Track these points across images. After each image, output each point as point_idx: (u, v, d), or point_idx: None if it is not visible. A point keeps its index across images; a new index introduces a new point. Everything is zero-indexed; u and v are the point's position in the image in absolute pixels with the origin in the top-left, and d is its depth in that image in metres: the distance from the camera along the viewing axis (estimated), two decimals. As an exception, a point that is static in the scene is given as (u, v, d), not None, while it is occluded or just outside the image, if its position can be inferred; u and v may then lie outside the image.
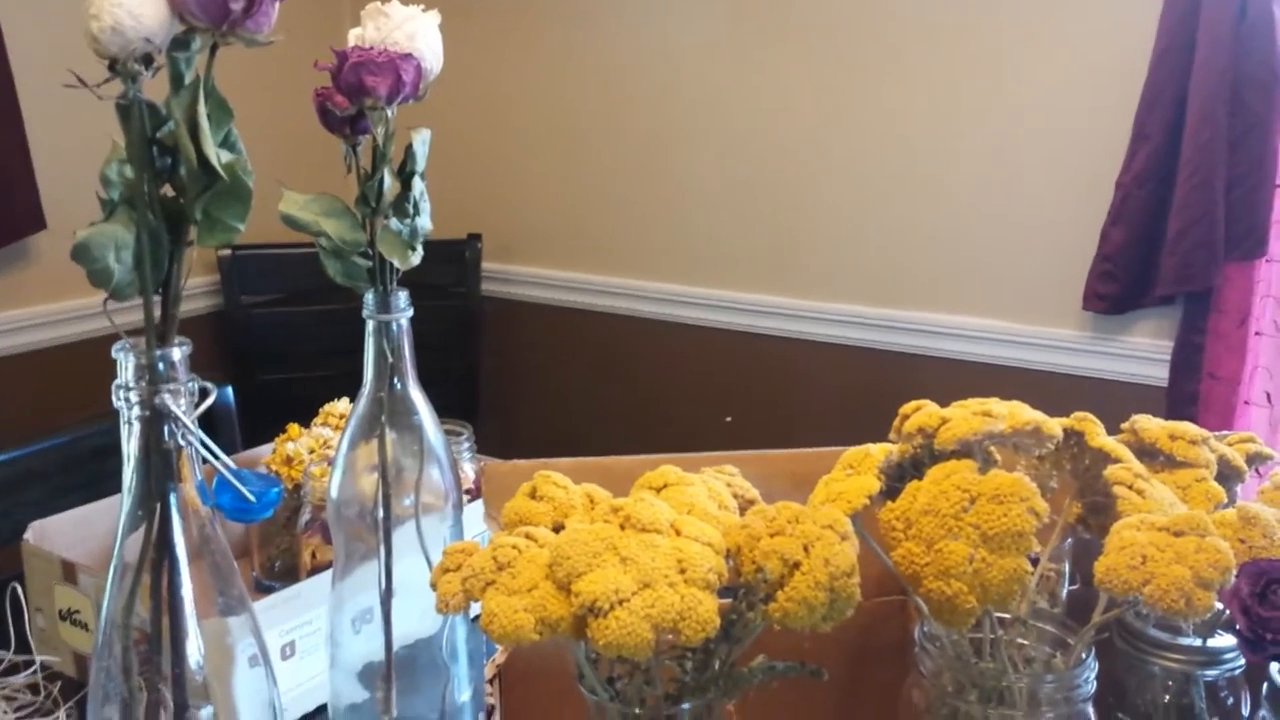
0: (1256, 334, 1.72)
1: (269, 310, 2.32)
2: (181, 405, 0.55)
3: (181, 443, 0.55)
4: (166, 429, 0.55)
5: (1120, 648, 0.68)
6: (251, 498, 0.57)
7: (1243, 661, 0.67)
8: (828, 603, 0.51)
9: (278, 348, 2.29)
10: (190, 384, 0.55)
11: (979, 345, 2.03)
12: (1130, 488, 0.57)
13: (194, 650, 0.57)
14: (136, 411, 0.55)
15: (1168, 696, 0.69)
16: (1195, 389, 1.75)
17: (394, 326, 0.69)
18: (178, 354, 0.55)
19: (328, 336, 1.97)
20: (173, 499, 0.56)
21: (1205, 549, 0.51)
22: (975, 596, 0.51)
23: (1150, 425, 0.69)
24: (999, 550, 0.51)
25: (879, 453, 0.59)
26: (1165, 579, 0.50)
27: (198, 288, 2.33)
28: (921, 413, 0.59)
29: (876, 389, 2.14)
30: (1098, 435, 0.63)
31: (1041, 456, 0.67)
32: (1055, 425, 0.59)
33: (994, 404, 0.58)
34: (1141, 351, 1.88)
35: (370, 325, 0.70)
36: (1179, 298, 1.79)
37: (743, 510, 0.58)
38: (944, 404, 0.64)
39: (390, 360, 0.70)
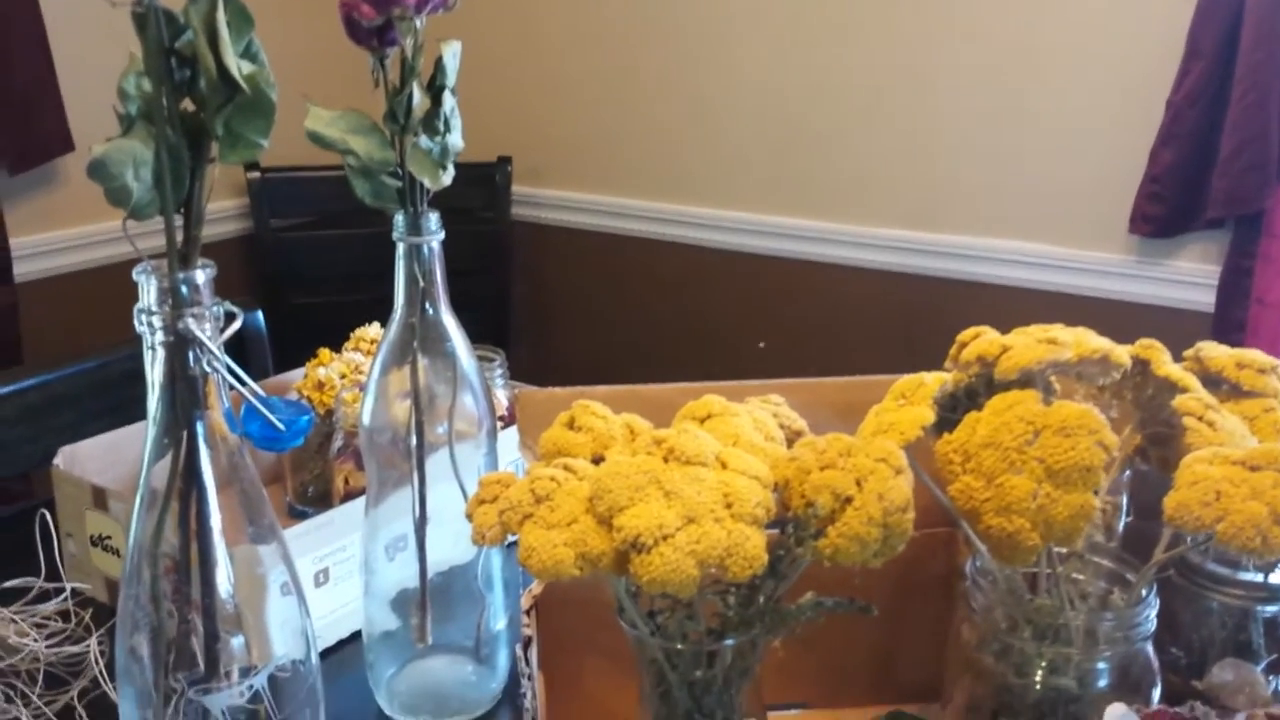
0: (1309, 258, 1.67)
1: (299, 234, 2.30)
2: (206, 330, 0.53)
3: (207, 369, 0.53)
4: (191, 355, 0.53)
5: (1177, 582, 0.66)
6: (280, 426, 0.55)
7: (1305, 598, 0.65)
8: (880, 539, 0.49)
9: (309, 272, 2.27)
10: (216, 308, 0.53)
11: (1019, 270, 1.98)
12: (1200, 419, 0.54)
13: (223, 579, 0.56)
14: (160, 337, 0.53)
15: (1224, 632, 0.66)
16: (1243, 315, 1.70)
17: (425, 249, 0.67)
18: (201, 277, 0.53)
19: (359, 260, 1.95)
20: (199, 427, 0.54)
21: (1284, 484, 0.48)
22: (1038, 534, 0.49)
23: (1216, 353, 0.66)
24: (1065, 485, 0.48)
25: (933, 382, 0.56)
26: (1240, 516, 0.48)
27: (226, 211, 2.31)
28: (981, 340, 0.56)
29: (913, 315, 2.10)
30: (1164, 363, 0.60)
31: (1102, 386, 0.64)
32: (1124, 354, 0.56)
33: (1059, 330, 0.55)
34: (1188, 276, 1.82)
35: (401, 248, 0.68)
36: (1228, 221, 1.74)
37: (790, 442, 0.56)
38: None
39: (422, 285, 0.68)
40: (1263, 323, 1.67)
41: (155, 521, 0.55)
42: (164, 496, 0.55)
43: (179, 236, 0.52)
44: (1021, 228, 1.97)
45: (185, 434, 0.55)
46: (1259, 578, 0.64)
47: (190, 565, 0.55)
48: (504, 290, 2.43)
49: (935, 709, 0.77)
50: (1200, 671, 0.66)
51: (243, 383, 0.57)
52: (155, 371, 0.53)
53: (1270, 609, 0.64)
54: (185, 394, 0.54)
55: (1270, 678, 0.64)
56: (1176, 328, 1.78)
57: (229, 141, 0.52)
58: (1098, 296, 1.91)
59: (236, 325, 0.55)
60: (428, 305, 0.68)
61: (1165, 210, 1.76)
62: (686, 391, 0.61)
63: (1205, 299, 1.79)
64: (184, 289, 0.52)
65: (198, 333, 0.52)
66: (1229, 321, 1.72)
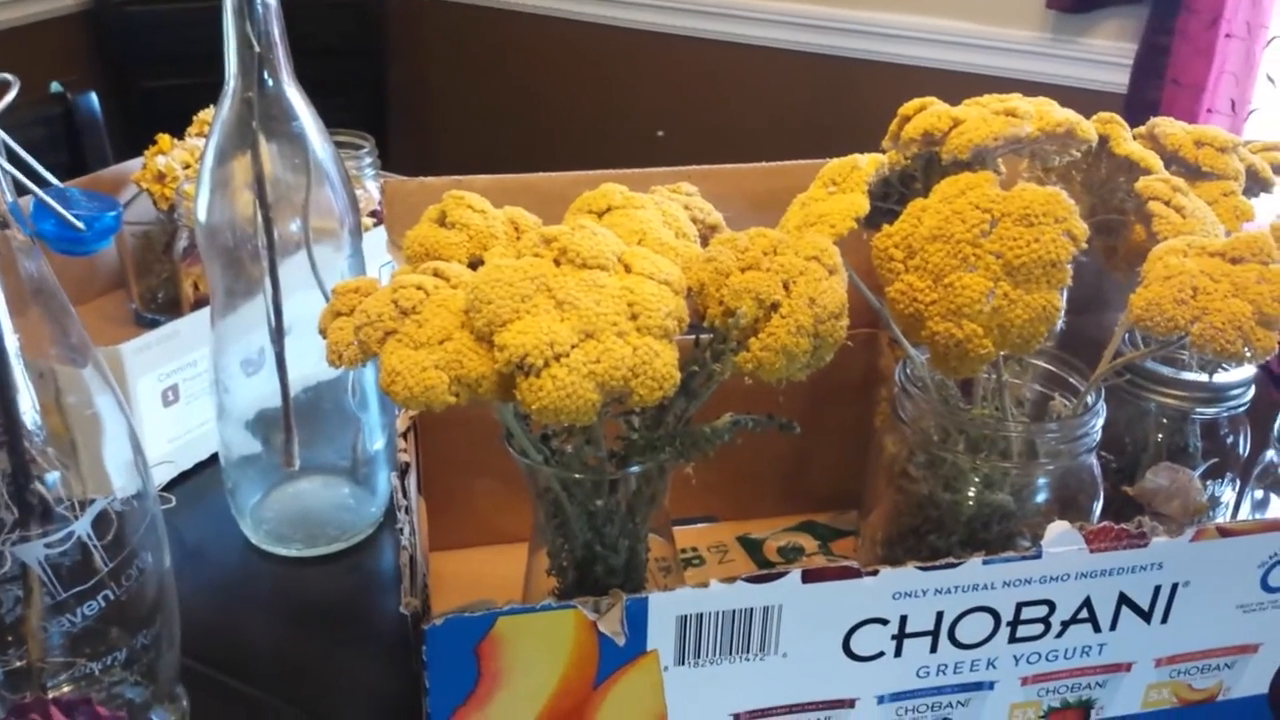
0: (1227, 36, 1.60)
1: (147, 7, 2.06)
2: (-31, 105, 0.42)
3: (-26, 155, 0.43)
4: (-45, 138, 0.42)
5: (1113, 383, 0.61)
6: (79, 225, 0.45)
7: (1248, 399, 0.60)
8: (810, 350, 0.42)
9: (159, 51, 2.04)
10: (-22, 76, 0.42)
11: (931, 49, 1.88)
12: (1168, 204, 0.48)
13: (28, 407, 0.47)
14: (-85, 115, 0.42)
15: (1160, 435, 0.62)
16: (1156, 95, 1.65)
17: (258, 6, 0.55)
18: (-43, 35, 0.41)
19: (217, 38, 1.75)
20: (-24, 227, 0.44)
21: (1270, 278, 0.42)
22: (992, 340, 0.42)
23: (1173, 129, 0.58)
24: (1026, 284, 0.41)
25: (869, 164, 0.48)
26: (1220, 315, 0.41)
27: (61, -19, 2.06)
28: (928, 113, 0.47)
29: (822, 99, 2.00)
30: (1124, 141, 0.52)
31: (1048, 168, 0.57)
32: (1090, 128, 0.48)
33: (1018, 101, 0.47)
34: (1102, 55, 1.75)
35: (229, 5, 0.56)
36: (1147, -6, 1.66)
37: (704, 238, 0.47)
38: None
39: (257, 50, 0.56)
40: (1177, 103, 1.62)
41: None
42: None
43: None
44: (934, 3, 1.86)
45: (-39, 237, 0.44)
46: (1202, 378, 0.59)
47: (-13, 396, 0.46)
48: (380, 73, 2.25)
49: (849, 518, 0.73)
50: (1132, 476, 0.62)
51: (35, 175, 0.46)
52: (-87, 159, 0.43)
53: (1210, 411, 0.60)
54: (-47, 187, 0.43)
55: (1207, 483, 0.61)
56: (1089, 109, 1.71)
57: None
58: (1009, 77, 1.82)
59: (10, 96, 0.43)
60: (266, 76, 0.57)
61: (1084, -18, 1.66)
62: (581, 180, 0.51)
63: (1119, 79, 1.72)
64: (-66, 51, 0.41)
65: (-44, 109, 0.42)
66: (1142, 102, 1.67)
